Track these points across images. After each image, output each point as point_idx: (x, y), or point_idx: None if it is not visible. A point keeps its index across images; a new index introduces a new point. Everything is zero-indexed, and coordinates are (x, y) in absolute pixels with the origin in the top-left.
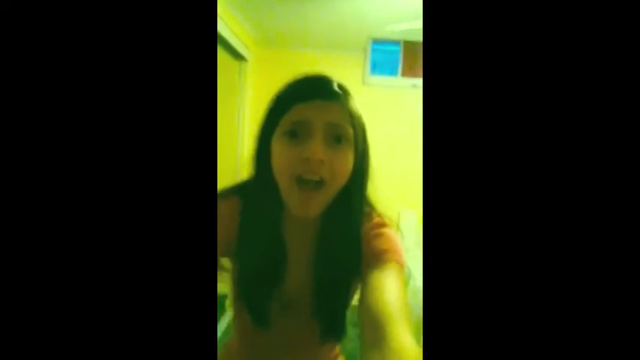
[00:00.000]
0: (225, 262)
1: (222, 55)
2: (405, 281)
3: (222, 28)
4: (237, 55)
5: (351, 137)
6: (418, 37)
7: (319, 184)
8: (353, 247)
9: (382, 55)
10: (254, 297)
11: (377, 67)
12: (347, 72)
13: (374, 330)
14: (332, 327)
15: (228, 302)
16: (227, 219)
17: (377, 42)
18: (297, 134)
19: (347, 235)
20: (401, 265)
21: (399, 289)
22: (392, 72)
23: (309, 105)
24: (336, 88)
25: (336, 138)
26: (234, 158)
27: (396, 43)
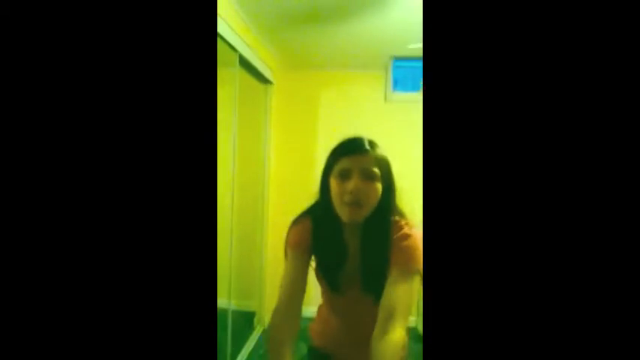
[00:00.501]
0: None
1: (248, 80)
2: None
3: (247, 54)
4: (262, 79)
5: (378, 175)
6: None
7: (358, 204)
8: (384, 244)
9: (404, 71)
10: (328, 274)
11: (399, 84)
12: (369, 90)
13: (385, 322)
14: (376, 292)
15: (256, 319)
16: (306, 232)
17: (398, 59)
18: (344, 176)
19: (379, 237)
20: (420, 275)
21: (412, 296)
22: (414, 88)
23: (349, 157)
24: (366, 145)
25: (367, 177)
26: (262, 176)
27: (417, 59)
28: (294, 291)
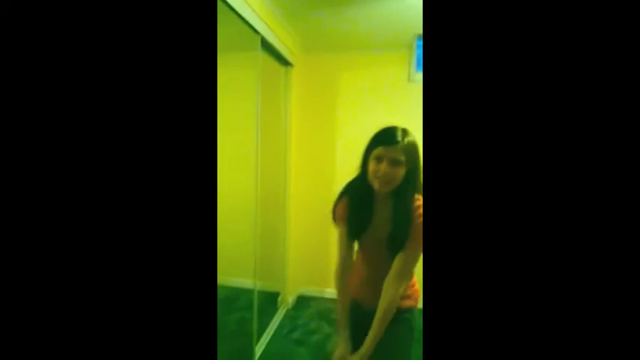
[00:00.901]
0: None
1: (269, 63)
2: None
3: (269, 36)
4: (283, 62)
5: (402, 162)
6: None
7: (385, 181)
8: (407, 213)
9: None
10: (359, 234)
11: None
12: (392, 71)
13: (396, 272)
14: (398, 248)
15: (280, 299)
16: (344, 208)
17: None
18: (378, 160)
19: (403, 207)
20: None
21: (417, 260)
22: None
23: (382, 147)
24: (397, 137)
25: (394, 163)
26: (284, 157)
27: None
28: (346, 253)
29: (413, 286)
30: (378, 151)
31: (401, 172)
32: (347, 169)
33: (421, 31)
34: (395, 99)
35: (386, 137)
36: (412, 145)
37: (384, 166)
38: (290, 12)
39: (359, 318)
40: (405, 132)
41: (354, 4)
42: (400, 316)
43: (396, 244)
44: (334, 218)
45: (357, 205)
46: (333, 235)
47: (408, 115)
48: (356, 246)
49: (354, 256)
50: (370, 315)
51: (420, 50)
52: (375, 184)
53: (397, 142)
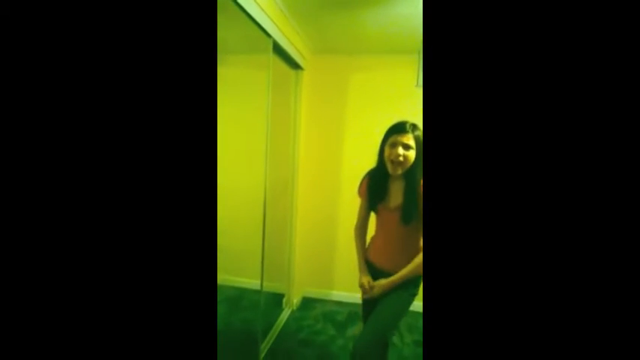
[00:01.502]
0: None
1: (280, 66)
2: None
3: (281, 40)
4: (293, 65)
5: (413, 147)
6: None
7: (399, 163)
8: (415, 190)
9: None
10: (375, 206)
11: None
12: (400, 75)
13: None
14: (409, 219)
15: (285, 300)
16: (364, 185)
17: None
18: (393, 146)
19: (413, 185)
20: None
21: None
22: None
23: (396, 135)
24: (407, 128)
25: (406, 147)
26: (293, 159)
27: None
28: (363, 218)
29: None
30: (392, 138)
31: (412, 155)
32: (354, 172)
33: None
34: (402, 102)
35: (399, 127)
36: (419, 137)
37: (397, 150)
38: (301, 14)
39: (373, 275)
40: (414, 126)
41: (365, 7)
42: (415, 279)
43: (406, 213)
44: (359, 193)
45: (375, 183)
46: (338, 237)
47: (414, 119)
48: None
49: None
50: (382, 273)
51: None
52: (390, 167)
53: (408, 131)
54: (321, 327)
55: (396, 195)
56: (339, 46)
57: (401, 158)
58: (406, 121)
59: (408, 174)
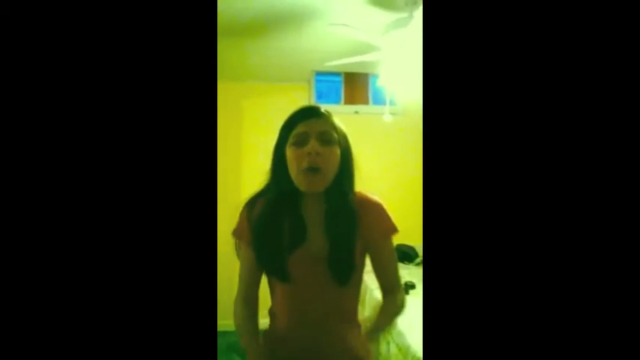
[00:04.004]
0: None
1: None
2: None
3: None
4: None
5: (336, 139)
6: (357, 69)
7: (317, 170)
8: (350, 214)
9: (326, 85)
10: (275, 261)
11: (322, 96)
12: (294, 101)
13: (389, 287)
14: (343, 271)
15: None
16: (245, 221)
17: (320, 73)
18: (300, 142)
19: (344, 206)
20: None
21: (395, 255)
22: (335, 100)
23: (305, 122)
24: (322, 109)
25: (325, 140)
26: None
27: (337, 74)
28: (249, 283)
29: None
30: (299, 128)
31: (336, 152)
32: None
33: (318, 67)
34: None
35: (308, 112)
36: (342, 127)
37: (311, 145)
38: None
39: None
40: (327, 111)
41: (255, 37)
42: None
43: (340, 263)
44: (236, 235)
45: (271, 215)
46: (236, 266)
47: None
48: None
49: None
50: (310, 354)
51: (320, 84)
52: (302, 181)
53: (323, 115)
54: (226, 359)
55: (316, 232)
56: (230, 73)
57: (319, 161)
58: (313, 105)
59: (334, 191)
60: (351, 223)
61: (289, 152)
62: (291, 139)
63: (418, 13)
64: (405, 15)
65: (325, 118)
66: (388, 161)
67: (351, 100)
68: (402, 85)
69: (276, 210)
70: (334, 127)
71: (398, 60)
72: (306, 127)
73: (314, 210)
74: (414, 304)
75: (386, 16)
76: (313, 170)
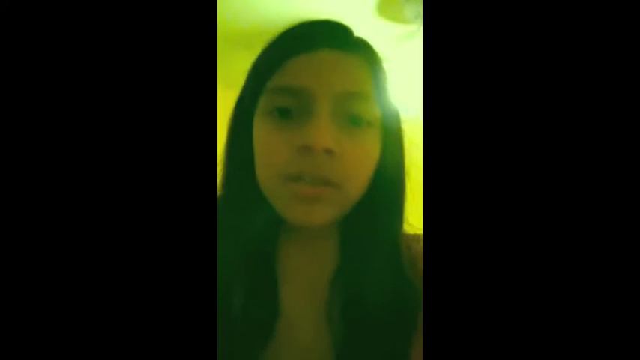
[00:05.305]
0: None
1: None
2: None
3: None
4: None
5: (378, 116)
6: None
7: (326, 182)
8: (390, 277)
9: None
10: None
11: None
12: None
13: None
14: None
15: None
16: None
17: None
18: (290, 111)
19: (379, 262)
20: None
21: None
22: None
23: (309, 59)
24: (349, 29)
25: (352, 117)
26: None
27: None
28: None
29: None
30: (289, 74)
31: (371, 144)
32: None
33: None
34: None
35: (321, 33)
36: (388, 101)
37: (318, 124)
38: None
39: None
40: (363, 42)
41: (259, 47)
42: None
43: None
44: None
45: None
46: None
47: None
48: None
49: None
50: None
51: None
52: (292, 208)
53: (357, 46)
54: None
55: (309, 315)
56: (229, 81)
57: (332, 167)
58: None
59: (361, 225)
60: (389, 294)
61: (262, 133)
62: (267, 100)
63: None
64: (413, 28)
65: (362, 54)
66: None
67: None
68: (410, 97)
69: (230, 264)
70: (379, 85)
71: (406, 71)
72: (309, 75)
73: (310, 254)
74: None
75: (395, 29)
76: (318, 182)
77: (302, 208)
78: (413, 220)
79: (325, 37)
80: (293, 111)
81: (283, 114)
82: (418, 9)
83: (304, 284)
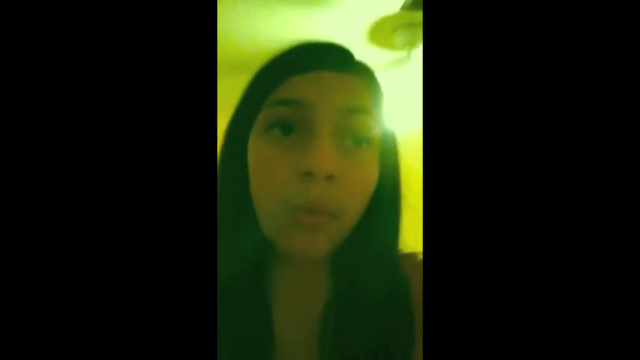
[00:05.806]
0: None
1: None
2: None
3: None
4: None
5: (378, 134)
6: None
7: (325, 211)
8: (386, 298)
9: None
10: None
11: None
12: None
13: None
14: None
15: None
16: None
17: None
18: (292, 127)
19: (377, 290)
20: None
21: None
22: None
23: (312, 76)
24: (348, 51)
25: (353, 135)
26: None
27: None
28: None
29: None
30: (290, 90)
31: (370, 167)
32: None
33: None
34: None
35: (322, 54)
36: (385, 129)
37: (320, 145)
38: None
39: None
40: (362, 64)
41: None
42: None
43: None
44: None
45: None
46: None
47: None
48: None
49: None
50: None
51: None
52: (291, 236)
53: (358, 68)
54: None
55: (301, 340)
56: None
57: (333, 194)
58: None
59: (357, 250)
60: (388, 322)
61: (258, 153)
62: (266, 117)
63: (415, 53)
64: (403, 55)
65: (363, 75)
66: None
67: None
68: (399, 121)
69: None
70: (379, 105)
71: (396, 97)
72: (311, 92)
73: (302, 287)
74: None
75: (385, 55)
76: (318, 211)
77: (302, 237)
78: (408, 239)
79: (328, 58)
80: (295, 126)
81: (285, 129)
82: (408, 36)
83: (296, 312)
